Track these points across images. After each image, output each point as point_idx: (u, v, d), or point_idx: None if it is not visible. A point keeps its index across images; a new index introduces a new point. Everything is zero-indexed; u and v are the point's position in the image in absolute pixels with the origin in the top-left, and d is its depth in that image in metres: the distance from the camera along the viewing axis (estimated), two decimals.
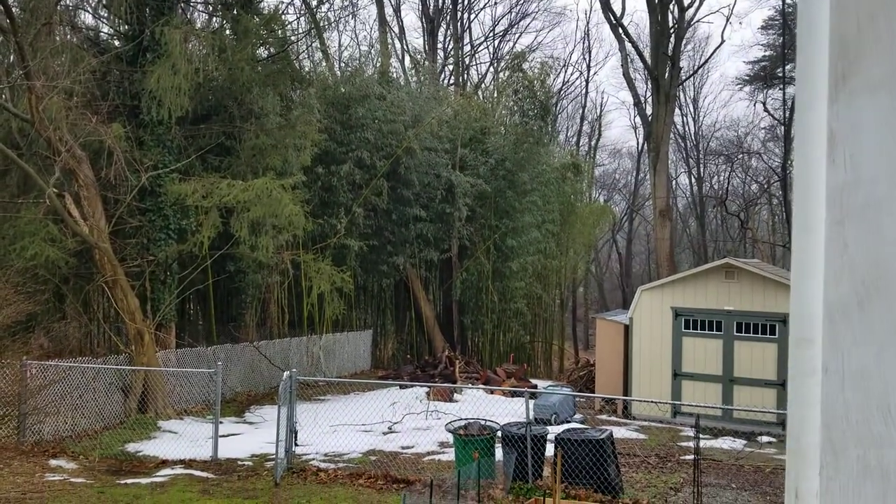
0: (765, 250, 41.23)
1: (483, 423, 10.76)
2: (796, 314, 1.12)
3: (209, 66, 15.18)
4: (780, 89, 36.49)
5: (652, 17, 31.83)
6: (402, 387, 17.16)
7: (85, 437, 12.92)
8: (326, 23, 25.69)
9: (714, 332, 15.75)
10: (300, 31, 21.51)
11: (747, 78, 39.33)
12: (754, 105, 41.34)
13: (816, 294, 1.07)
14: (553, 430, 11.06)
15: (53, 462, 11.32)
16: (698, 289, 16.02)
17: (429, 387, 16.71)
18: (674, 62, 31.20)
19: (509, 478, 10.02)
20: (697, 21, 36.66)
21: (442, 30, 39.16)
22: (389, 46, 33.89)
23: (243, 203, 14.81)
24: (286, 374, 11.71)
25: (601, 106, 59.51)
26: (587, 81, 45.09)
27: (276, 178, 15.64)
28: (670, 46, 31.42)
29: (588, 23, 73.32)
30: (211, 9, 18.69)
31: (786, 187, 34.60)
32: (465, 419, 11.14)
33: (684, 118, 47.52)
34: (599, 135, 47.00)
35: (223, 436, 12.46)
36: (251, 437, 13.57)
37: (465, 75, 40.22)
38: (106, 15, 17.89)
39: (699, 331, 15.91)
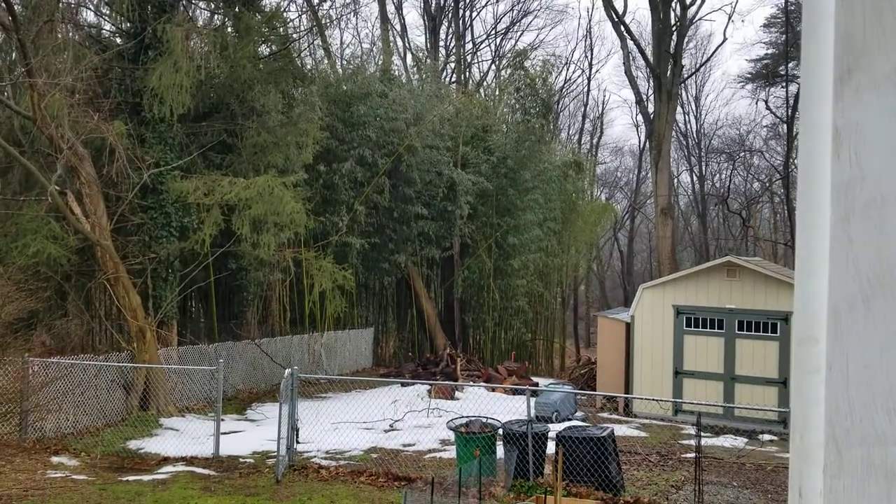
0: (766, 248, 41.20)
1: (484, 420, 10.76)
2: (800, 311, 1.11)
3: (211, 63, 15.17)
4: (782, 87, 36.45)
5: (654, 14, 31.79)
6: (403, 384, 17.17)
7: (87, 435, 12.94)
8: (328, 20, 25.74)
9: (715, 330, 15.75)
10: (302, 28, 21.56)
11: (749, 76, 39.27)
12: (756, 103, 41.34)
13: (821, 291, 1.06)
14: (554, 428, 11.06)
15: (55, 459, 11.33)
16: (700, 287, 16.01)
17: (430, 385, 16.73)
18: (676, 60, 31.14)
19: (510, 475, 10.02)
20: (699, 19, 36.64)
21: (444, 27, 39.16)
22: (391, 44, 33.89)
23: (245, 201, 14.82)
24: (288, 371, 11.71)
25: (603, 104, 59.45)
26: (589, 79, 45.15)
27: (277, 175, 15.65)
28: (672, 44, 31.37)
29: (590, 20, 73.61)
30: (213, 6, 18.66)
31: (788, 185, 34.55)
32: (467, 417, 11.14)
33: (686, 116, 47.53)
34: (601, 133, 47.06)
35: (225, 433, 12.46)
36: (253, 435, 13.58)
37: (467, 73, 40.21)
38: (108, 12, 17.89)
39: (701, 329, 15.91)
